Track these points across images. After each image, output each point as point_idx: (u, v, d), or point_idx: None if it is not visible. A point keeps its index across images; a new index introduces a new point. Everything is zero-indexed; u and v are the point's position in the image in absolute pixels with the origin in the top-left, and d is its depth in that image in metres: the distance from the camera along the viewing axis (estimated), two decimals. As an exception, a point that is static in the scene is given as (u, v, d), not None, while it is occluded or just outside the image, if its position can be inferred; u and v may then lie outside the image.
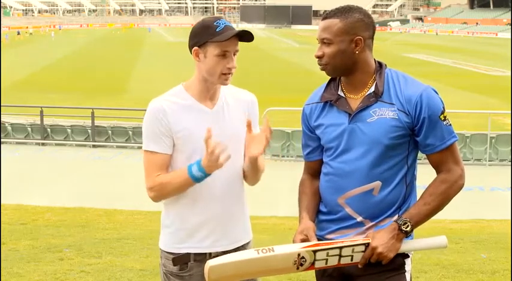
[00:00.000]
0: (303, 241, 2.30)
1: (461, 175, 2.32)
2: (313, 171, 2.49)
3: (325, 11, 2.40)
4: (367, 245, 2.24)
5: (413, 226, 2.26)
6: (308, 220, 2.39)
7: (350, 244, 2.24)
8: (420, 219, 2.27)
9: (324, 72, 2.38)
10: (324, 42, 2.31)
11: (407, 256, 2.34)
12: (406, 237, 2.27)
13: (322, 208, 2.44)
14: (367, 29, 2.31)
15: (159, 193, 2.42)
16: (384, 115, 2.28)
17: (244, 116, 2.52)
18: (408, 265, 2.35)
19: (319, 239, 2.38)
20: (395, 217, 2.30)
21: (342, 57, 2.29)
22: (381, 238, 2.23)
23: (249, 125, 2.44)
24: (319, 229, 2.43)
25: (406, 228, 2.24)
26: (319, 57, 2.33)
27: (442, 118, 2.28)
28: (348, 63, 2.31)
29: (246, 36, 2.40)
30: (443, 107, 2.30)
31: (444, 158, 2.31)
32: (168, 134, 2.42)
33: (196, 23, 2.48)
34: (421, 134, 2.28)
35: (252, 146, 2.43)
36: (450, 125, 2.30)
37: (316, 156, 2.47)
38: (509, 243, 5.94)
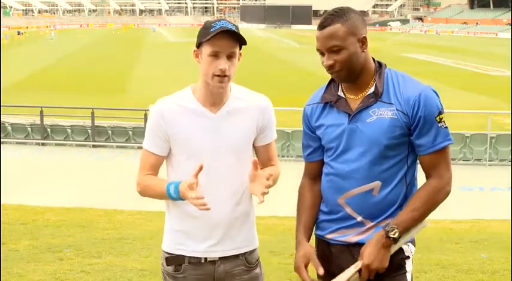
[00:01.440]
0: (306, 265, 2.35)
1: (449, 182, 2.31)
2: (313, 173, 2.48)
3: (325, 11, 2.37)
4: (359, 270, 2.24)
5: (401, 232, 2.25)
6: (306, 242, 2.41)
7: (344, 278, 2.25)
8: (408, 225, 2.26)
9: (325, 73, 2.36)
10: (332, 50, 2.26)
11: (407, 257, 2.34)
12: (395, 243, 2.25)
13: (323, 208, 2.44)
14: (365, 27, 2.32)
15: (143, 191, 2.50)
16: (383, 115, 2.28)
17: (254, 123, 2.49)
18: (409, 265, 2.35)
19: (319, 239, 2.40)
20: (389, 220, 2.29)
21: (354, 60, 2.27)
22: (370, 254, 2.23)
23: (254, 164, 2.39)
24: (320, 229, 2.44)
25: (393, 235, 2.23)
26: (331, 66, 2.28)
27: (438, 120, 2.26)
28: (360, 64, 2.29)
29: (233, 35, 2.34)
30: (441, 109, 2.28)
31: (435, 162, 2.29)
32: (164, 138, 2.45)
33: None
34: (415, 133, 2.27)
35: (254, 185, 2.40)
36: (446, 128, 2.28)
37: (316, 156, 2.47)
38: (509, 243, 5.94)
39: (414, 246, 2.39)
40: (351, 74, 2.30)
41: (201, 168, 2.29)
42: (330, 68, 2.29)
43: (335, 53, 2.26)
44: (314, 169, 2.48)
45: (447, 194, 2.30)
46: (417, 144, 2.29)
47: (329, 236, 2.40)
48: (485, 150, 14.16)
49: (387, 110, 2.27)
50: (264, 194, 2.32)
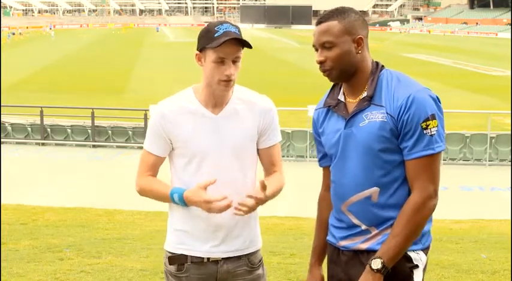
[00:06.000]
0: None
1: (432, 196, 2.15)
2: (328, 182, 2.41)
3: (325, 11, 2.34)
4: None
5: (388, 262, 2.12)
6: (317, 269, 2.44)
7: None
8: (393, 253, 2.12)
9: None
10: (324, 46, 2.20)
11: (416, 265, 2.22)
12: (385, 272, 2.12)
13: (334, 213, 2.38)
14: (365, 28, 2.25)
15: (143, 192, 2.50)
16: (374, 119, 2.18)
17: (255, 124, 2.47)
18: (418, 276, 2.22)
19: (331, 246, 2.38)
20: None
21: (346, 59, 2.20)
22: None
23: (261, 184, 2.36)
24: (332, 236, 2.38)
25: (376, 266, 2.11)
26: (322, 63, 2.22)
27: (424, 126, 2.12)
28: (352, 65, 2.21)
29: (240, 42, 2.33)
30: (431, 115, 2.13)
31: (417, 171, 2.15)
32: (166, 139, 2.44)
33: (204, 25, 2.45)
34: (400, 136, 2.16)
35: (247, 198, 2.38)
36: (432, 135, 2.13)
37: (327, 162, 2.40)
38: (509, 243, 5.95)
39: (426, 255, 2.25)
40: (342, 74, 2.23)
41: (211, 182, 2.32)
42: (321, 65, 2.24)
43: (327, 50, 2.21)
44: (327, 176, 2.41)
45: (431, 209, 2.16)
46: (401, 147, 2.18)
47: (341, 243, 2.33)
48: (485, 150, 14.17)
49: (378, 113, 2.18)
50: (242, 210, 2.34)
